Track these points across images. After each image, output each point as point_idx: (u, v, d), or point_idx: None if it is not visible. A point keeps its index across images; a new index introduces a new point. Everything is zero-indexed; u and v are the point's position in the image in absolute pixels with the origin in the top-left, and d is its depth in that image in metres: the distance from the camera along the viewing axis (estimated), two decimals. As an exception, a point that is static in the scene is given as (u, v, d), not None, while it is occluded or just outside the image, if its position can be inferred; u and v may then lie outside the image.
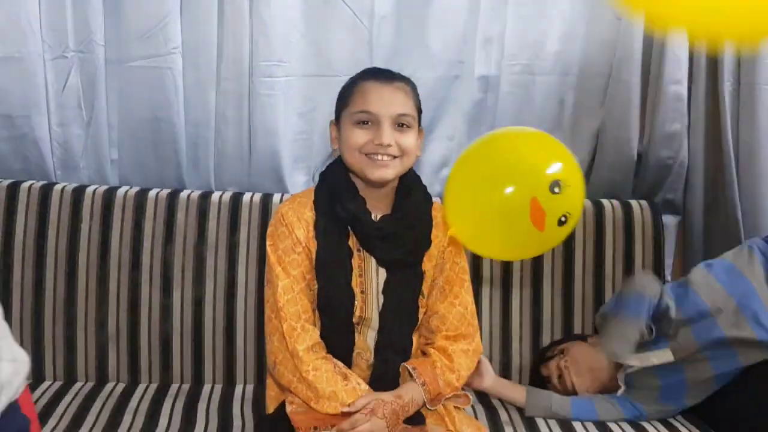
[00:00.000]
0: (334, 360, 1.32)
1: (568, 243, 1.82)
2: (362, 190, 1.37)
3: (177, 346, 1.72)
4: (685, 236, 2.01)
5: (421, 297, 1.40)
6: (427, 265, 1.40)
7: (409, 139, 1.35)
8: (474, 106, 1.89)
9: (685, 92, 1.90)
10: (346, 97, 1.39)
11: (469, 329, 1.41)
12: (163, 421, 1.51)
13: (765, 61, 1.84)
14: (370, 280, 1.37)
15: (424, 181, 1.47)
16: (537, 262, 1.80)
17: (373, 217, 1.36)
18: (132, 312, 1.72)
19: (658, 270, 1.85)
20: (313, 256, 1.33)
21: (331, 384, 1.27)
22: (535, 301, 1.80)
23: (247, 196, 1.80)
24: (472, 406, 1.60)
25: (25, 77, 1.77)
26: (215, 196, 1.79)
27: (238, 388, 1.70)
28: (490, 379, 1.63)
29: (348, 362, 1.34)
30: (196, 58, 1.80)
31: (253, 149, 1.85)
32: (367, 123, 1.34)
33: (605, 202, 1.88)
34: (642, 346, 1.57)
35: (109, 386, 1.67)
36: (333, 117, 1.44)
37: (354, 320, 1.34)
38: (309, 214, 1.35)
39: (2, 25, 1.74)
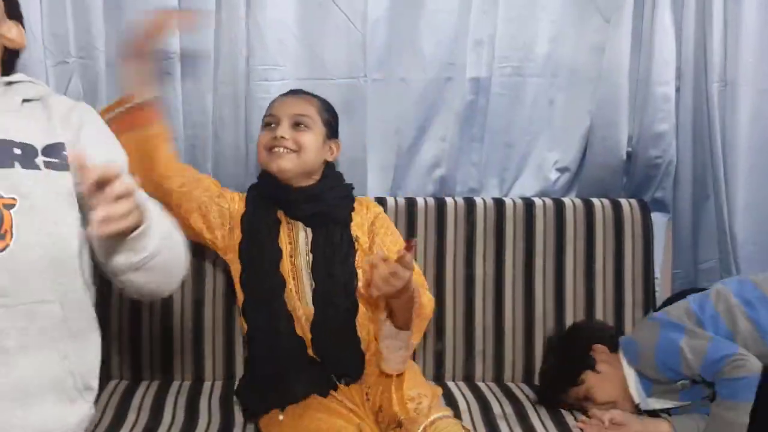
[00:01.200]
0: None
1: (560, 241, 1.88)
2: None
3: (178, 344, 1.79)
4: (675, 234, 2.08)
5: (356, 258, 1.56)
6: (358, 231, 1.59)
7: (307, 137, 1.58)
8: (465, 108, 1.95)
9: (672, 93, 1.97)
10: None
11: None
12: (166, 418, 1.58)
13: (749, 61, 1.91)
14: (297, 247, 1.56)
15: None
16: (528, 259, 1.86)
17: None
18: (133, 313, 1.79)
19: (648, 267, 1.91)
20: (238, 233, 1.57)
21: None
22: (527, 298, 1.86)
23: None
24: (464, 395, 1.67)
25: None
26: (215, 196, 1.86)
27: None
28: (637, 425, 1.61)
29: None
30: (194, 62, 1.86)
31: (249, 151, 1.91)
32: (271, 125, 1.60)
33: (595, 200, 1.94)
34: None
35: (112, 384, 1.74)
36: None
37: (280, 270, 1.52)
38: (239, 202, 1.62)
39: (5, 32, 1.81)
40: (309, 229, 1.59)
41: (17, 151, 1.06)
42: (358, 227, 1.63)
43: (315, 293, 1.54)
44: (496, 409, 1.64)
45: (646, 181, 2.04)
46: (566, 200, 1.96)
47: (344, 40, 1.90)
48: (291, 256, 1.57)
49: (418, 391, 1.48)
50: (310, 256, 1.57)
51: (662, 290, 2.04)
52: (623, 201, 1.96)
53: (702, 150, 2.01)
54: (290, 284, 1.54)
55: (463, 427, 1.46)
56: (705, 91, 1.95)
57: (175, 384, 1.76)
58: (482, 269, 1.85)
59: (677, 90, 1.98)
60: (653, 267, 1.97)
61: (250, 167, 1.94)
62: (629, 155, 2.02)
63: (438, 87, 1.91)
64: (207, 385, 1.75)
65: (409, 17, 1.90)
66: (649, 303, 1.90)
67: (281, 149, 1.58)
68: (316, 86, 1.89)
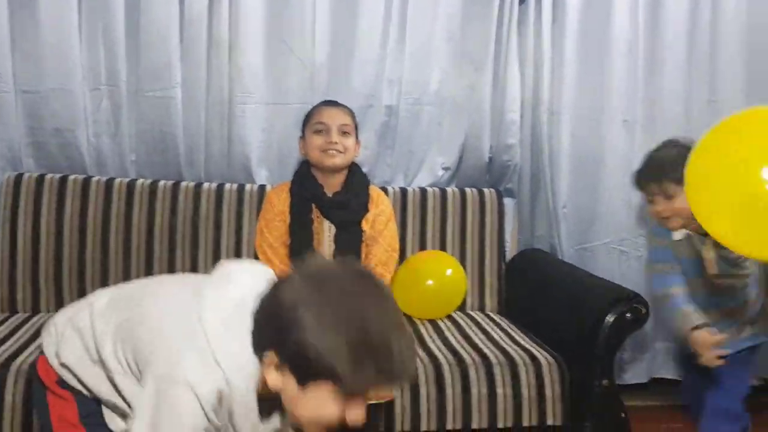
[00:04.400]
0: None
1: (443, 216, 2.56)
2: (320, 178, 2.09)
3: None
4: (519, 212, 2.78)
5: (362, 245, 2.10)
6: (365, 225, 2.12)
7: (349, 141, 2.06)
8: (381, 126, 2.58)
9: (518, 119, 2.64)
10: (308, 118, 2.12)
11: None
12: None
13: (568, 98, 2.62)
14: (323, 234, 2.09)
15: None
16: (423, 228, 2.54)
17: (329, 194, 2.09)
18: (148, 270, 2.38)
19: (501, 234, 2.62)
20: (288, 222, 2.08)
21: None
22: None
23: (228, 185, 2.47)
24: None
25: (71, 102, 2.39)
26: (205, 185, 2.46)
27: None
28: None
29: None
30: (192, 90, 2.44)
31: (231, 153, 2.52)
32: (322, 131, 2.05)
33: (468, 190, 2.62)
34: None
35: None
36: (299, 134, 2.14)
37: None
38: (285, 196, 2.09)
39: (56, 66, 2.36)
40: (334, 226, 2.07)
41: None
42: (366, 222, 2.08)
43: None
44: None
45: (500, 177, 2.71)
46: (449, 189, 2.62)
47: (297, 77, 2.50)
48: (318, 242, 2.04)
49: None
50: (333, 246, 2.06)
51: (510, 249, 2.73)
52: (486, 190, 2.63)
53: (537, 157, 2.67)
54: None
55: None
56: (539, 118, 2.64)
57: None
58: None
59: (521, 116, 2.65)
60: (505, 233, 2.67)
61: (231, 165, 2.51)
62: (490, 159, 2.67)
63: (363, 111, 2.45)
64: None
65: (343, 63, 2.52)
66: (501, 258, 2.62)
67: (333, 151, 2.04)
68: (277, 109, 2.50)
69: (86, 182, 2.40)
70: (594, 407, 2.10)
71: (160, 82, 2.43)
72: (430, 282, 2.41)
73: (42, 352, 1.33)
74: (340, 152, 2.06)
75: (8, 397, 1.84)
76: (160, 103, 2.45)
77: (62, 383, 1.28)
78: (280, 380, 1.08)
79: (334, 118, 2.08)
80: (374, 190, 2.20)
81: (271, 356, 1.08)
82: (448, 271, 2.45)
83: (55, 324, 1.33)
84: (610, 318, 2.06)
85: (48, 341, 1.32)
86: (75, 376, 1.26)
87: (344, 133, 2.07)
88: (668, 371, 2.81)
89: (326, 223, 2.10)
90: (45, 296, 2.35)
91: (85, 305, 1.31)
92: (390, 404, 1.94)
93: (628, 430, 2.10)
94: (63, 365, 1.26)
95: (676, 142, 1.90)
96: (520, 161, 2.73)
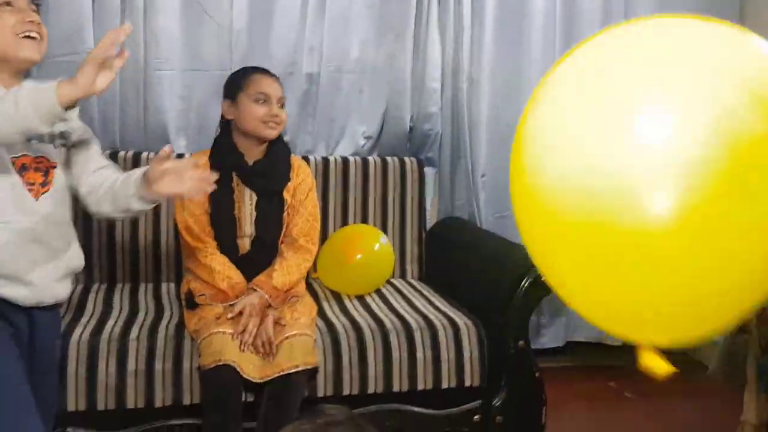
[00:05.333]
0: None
1: (365, 185, 2.58)
2: (241, 146, 2.06)
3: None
4: (440, 181, 2.83)
5: (285, 215, 2.10)
6: (287, 195, 2.11)
7: (284, 114, 2.07)
8: (302, 95, 2.58)
9: (439, 87, 2.69)
10: (241, 82, 2.04)
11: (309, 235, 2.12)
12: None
13: (487, 67, 2.68)
14: (243, 202, 2.08)
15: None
16: (345, 197, 2.56)
17: (250, 162, 2.07)
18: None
19: (422, 202, 2.65)
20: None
21: (222, 266, 2.01)
22: (344, 221, 2.57)
23: (144, 154, 2.42)
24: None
25: None
26: (122, 154, 2.41)
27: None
28: None
29: (234, 259, 2.04)
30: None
31: (147, 121, 2.47)
32: (263, 102, 2.01)
33: (389, 159, 2.65)
34: None
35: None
36: (223, 96, 2.08)
37: (236, 224, 2.06)
38: (205, 164, 2.02)
39: None
40: (254, 193, 2.07)
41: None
42: (287, 192, 2.10)
43: (254, 238, 2.06)
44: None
45: (421, 145, 2.75)
46: (370, 158, 2.65)
47: (216, 43, 2.47)
48: (239, 213, 2.05)
49: (306, 308, 2.03)
50: (254, 214, 2.07)
51: (430, 218, 2.78)
52: (407, 159, 2.66)
53: (457, 126, 2.72)
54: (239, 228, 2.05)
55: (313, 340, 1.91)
56: (459, 86, 2.69)
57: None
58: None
59: (442, 86, 2.70)
60: (425, 202, 2.70)
61: (148, 132, 2.48)
62: (411, 128, 2.71)
63: (283, 79, 2.29)
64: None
65: (263, 29, 2.51)
66: (421, 226, 2.66)
67: (273, 123, 2.03)
68: (195, 75, 2.47)
69: None
70: (510, 368, 2.18)
71: (71, 46, 2.35)
72: (359, 256, 2.42)
73: None
74: (278, 124, 2.07)
75: None
76: (71, 69, 2.25)
77: None
78: None
79: (275, 90, 2.07)
80: (295, 160, 2.21)
81: None
82: (376, 246, 2.46)
83: None
84: (526, 281, 2.13)
85: None
86: None
87: (281, 106, 2.08)
88: (582, 334, 2.93)
89: (247, 192, 2.10)
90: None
91: None
92: (313, 371, 1.96)
93: (541, 388, 2.18)
94: None
95: None
96: (441, 130, 2.78)
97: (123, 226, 2.41)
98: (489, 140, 2.75)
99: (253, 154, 2.10)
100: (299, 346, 1.90)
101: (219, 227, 2.07)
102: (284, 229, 2.13)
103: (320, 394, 2.01)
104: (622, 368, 2.79)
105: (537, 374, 2.19)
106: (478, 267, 2.39)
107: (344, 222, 2.61)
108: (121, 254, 2.42)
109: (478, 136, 2.74)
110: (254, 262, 2.08)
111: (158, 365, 1.93)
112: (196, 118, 2.53)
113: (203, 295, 2.01)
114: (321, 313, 2.18)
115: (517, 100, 2.72)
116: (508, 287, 2.15)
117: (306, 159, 2.55)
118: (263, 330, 1.91)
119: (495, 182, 2.77)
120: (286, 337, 1.91)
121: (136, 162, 2.42)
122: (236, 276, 2.03)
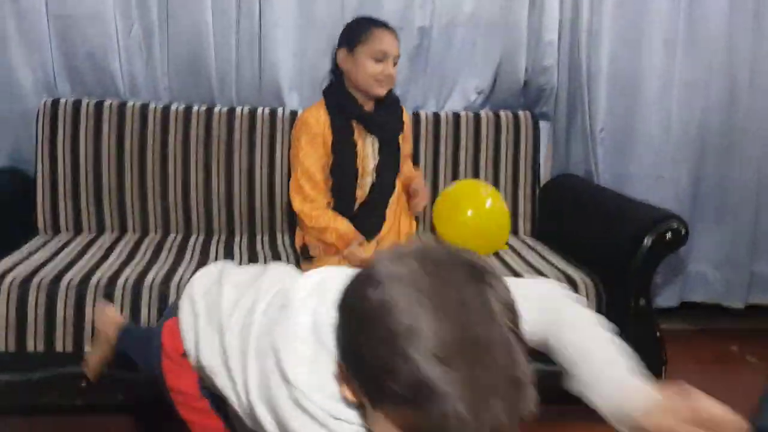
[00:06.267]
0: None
1: (476, 141, 2.54)
2: (356, 95, 2.06)
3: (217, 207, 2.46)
4: (554, 136, 2.76)
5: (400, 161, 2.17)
6: (400, 140, 2.18)
7: (395, 70, 2.05)
8: (413, 49, 2.54)
9: (555, 39, 2.59)
10: (362, 35, 2.00)
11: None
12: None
13: (608, 18, 2.55)
14: (365, 151, 2.10)
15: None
16: (455, 153, 2.54)
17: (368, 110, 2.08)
18: (185, 194, 2.43)
19: (536, 157, 2.59)
20: (329, 142, 2.05)
21: (328, 221, 2.03)
22: (454, 176, 2.54)
23: (260, 110, 2.47)
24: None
25: (102, 27, 2.39)
26: (238, 110, 2.46)
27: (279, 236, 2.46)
28: None
29: (352, 206, 2.08)
30: (223, 15, 2.40)
31: (262, 78, 2.50)
32: (381, 60, 1.99)
33: (502, 113, 2.59)
34: None
35: (170, 237, 2.40)
36: (338, 44, 2.06)
37: (359, 173, 2.09)
38: (323, 116, 2.05)
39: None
40: (376, 140, 2.09)
41: None
42: (401, 139, 2.17)
43: (373, 185, 2.09)
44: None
45: (536, 100, 2.68)
46: (482, 113, 2.60)
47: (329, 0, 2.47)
48: (362, 160, 2.06)
49: None
50: (377, 159, 2.10)
51: (544, 173, 2.71)
52: (520, 113, 2.59)
53: (575, 79, 2.63)
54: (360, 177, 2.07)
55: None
56: (577, 38, 2.59)
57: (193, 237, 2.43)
58: (424, 159, 2.53)
59: (558, 37, 2.60)
60: (539, 157, 2.63)
61: (263, 88, 2.50)
62: (525, 82, 2.63)
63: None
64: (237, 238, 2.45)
65: None
66: (535, 182, 2.60)
67: (385, 82, 2.01)
68: (308, 32, 2.47)
69: (122, 107, 2.42)
70: (629, 327, 2.08)
71: (191, 6, 2.42)
72: (471, 213, 2.36)
73: (169, 315, 1.28)
74: (389, 83, 2.05)
75: (59, 312, 1.90)
76: (191, 28, 2.44)
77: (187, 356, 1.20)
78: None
79: (393, 48, 2.02)
80: (403, 109, 2.23)
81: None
82: (487, 202, 2.38)
83: (193, 302, 1.22)
84: (649, 237, 2.04)
85: (187, 322, 1.21)
86: (208, 377, 1.13)
87: (395, 64, 2.05)
88: (699, 295, 2.80)
89: (369, 139, 2.10)
90: (86, 218, 2.41)
91: (218, 296, 1.18)
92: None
93: (662, 347, 2.10)
94: (200, 365, 1.15)
95: None
96: (557, 84, 2.69)
97: (240, 183, 2.46)
98: (608, 94, 2.64)
99: (367, 103, 2.11)
100: None
101: (341, 176, 2.09)
102: (399, 175, 2.18)
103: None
104: (743, 331, 2.68)
105: (658, 333, 2.10)
106: (597, 224, 2.31)
107: (455, 179, 2.58)
108: (238, 208, 2.48)
109: (597, 89, 2.63)
110: (372, 208, 2.11)
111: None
112: (310, 74, 2.54)
113: (318, 248, 2.07)
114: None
115: (638, 52, 2.61)
116: (630, 243, 2.07)
117: (416, 114, 2.55)
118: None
119: (614, 138, 2.68)
120: None
121: (252, 117, 2.46)
122: (343, 226, 2.04)
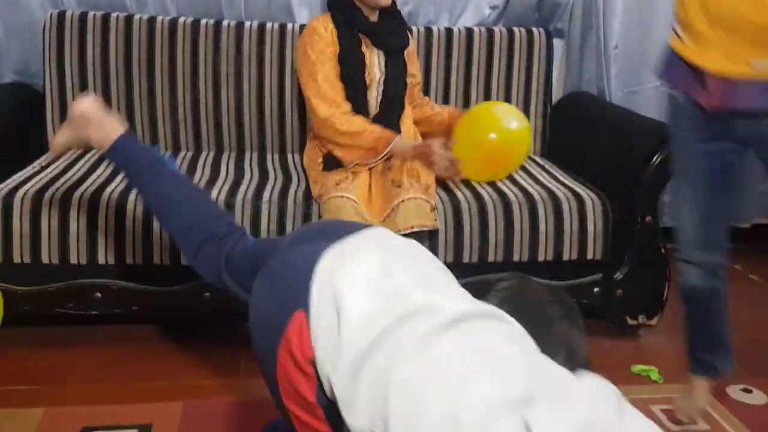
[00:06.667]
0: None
1: (489, 57, 2.51)
2: (361, 8, 2.05)
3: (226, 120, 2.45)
4: (568, 53, 2.73)
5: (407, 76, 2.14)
6: (405, 58, 2.15)
7: None
8: None
9: None
10: None
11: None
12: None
13: None
14: (372, 63, 2.08)
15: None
16: (468, 68, 2.51)
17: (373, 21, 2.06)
18: (194, 108, 2.42)
19: (549, 74, 2.56)
20: (336, 53, 2.04)
21: (363, 125, 2.00)
22: (466, 91, 2.53)
23: (269, 24, 2.43)
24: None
25: None
26: (247, 24, 2.43)
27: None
28: None
29: (365, 112, 2.05)
30: None
31: None
32: None
33: (515, 29, 2.56)
34: None
35: (180, 154, 2.40)
36: None
37: (366, 84, 2.07)
38: (331, 26, 2.04)
39: None
40: (382, 53, 2.08)
41: None
42: (407, 56, 2.16)
43: (382, 99, 2.09)
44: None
45: (550, 15, 2.64)
46: (496, 29, 2.56)
47: None
48: (370, 70, 2.06)
49: (423, 172, 2.00)
50: (384, 72, 2.08)
51: (556, 90, 2.68)
52: (534, 30, 2.56)
53: None
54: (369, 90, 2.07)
55: (431, 205, 1.91)
56: None
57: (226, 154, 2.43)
58: (435, 75, 2.51)
59: None
60: (552, 73, 2.60)
61: (272, 3, 2.47)
62: None
63: None
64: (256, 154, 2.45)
65: None
66: (547, 100, 2.59)
67: None
68: None
69: (129, 20, 2.38)
70: (635, 243, 2.12)
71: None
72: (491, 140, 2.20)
73: (295, 310, 1.03)
74: None
75: (72, 225, 1.94)
76: None
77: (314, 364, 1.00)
78: None
79: None
80: (408, 28, 2.21)
81: None
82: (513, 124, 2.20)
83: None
84: (658, 155, 2.04)
85: (319, 328, 0.99)
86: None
87: None
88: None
89: (375, 51, 2.09)
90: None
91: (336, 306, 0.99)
92: (434, 234, 1.98)
93: (666, 264, 2.12)
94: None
95: None
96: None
97: (250, 101, 2.44)
98: (624, 9, 2.59)
99: (372, 15, 2.08)
100: (414, 209, 1.91)
101: (351, 89, 2.06)
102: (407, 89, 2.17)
103: (440, 260, 2.01)
104: (748, 251, 2.69)
105: (663, 250, 2.12)
106: (607, 142, 2.30)
107: (466, 96, 2.56)
108: (247, 124, 2.47)
109: (613, 5, 2.58)
110: (383, 125, 2.06)
111: (288, 226, 2.00)
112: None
113: (356, 164, 2.03)
114: (444, 184, 2.16)
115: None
116: (639, 160, 2.07)
117: (428, 30, 2.51)
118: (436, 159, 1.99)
119: (627, 55, 2.63)
120: (402, 201, 1.93)
121: (261, 32, 2.43)
122: (378, 129, 2.03)
